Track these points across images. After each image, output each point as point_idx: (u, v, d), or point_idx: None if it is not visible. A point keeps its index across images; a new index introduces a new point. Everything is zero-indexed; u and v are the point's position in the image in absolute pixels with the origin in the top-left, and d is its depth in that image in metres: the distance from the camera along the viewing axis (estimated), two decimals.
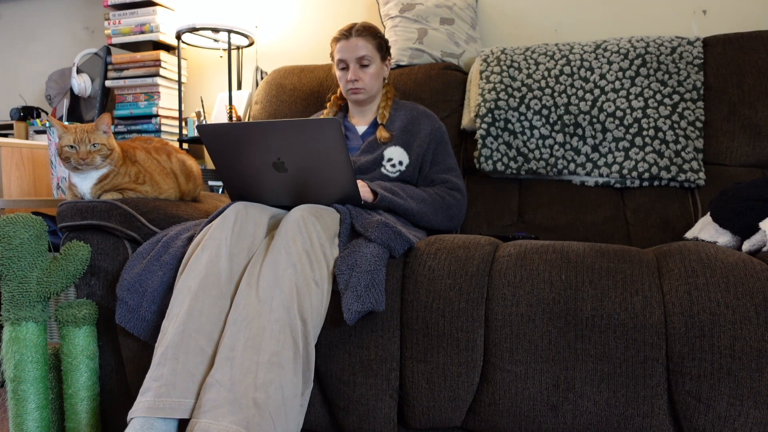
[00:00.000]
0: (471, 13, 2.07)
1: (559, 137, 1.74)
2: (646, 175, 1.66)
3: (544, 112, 1.75)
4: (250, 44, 2.37)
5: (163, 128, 2.40)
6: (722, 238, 1.21)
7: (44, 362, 1.21)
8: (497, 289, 1.03)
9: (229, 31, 2.18)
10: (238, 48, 2.41)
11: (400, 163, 1.55)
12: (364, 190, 1.35)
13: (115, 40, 2.43)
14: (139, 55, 2.39)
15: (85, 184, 1.29)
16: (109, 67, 2.46)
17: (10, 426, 1.19)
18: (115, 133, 2.46)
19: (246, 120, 2.30)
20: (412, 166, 1.56)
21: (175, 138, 2.46)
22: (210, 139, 1.19)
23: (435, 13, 2.00)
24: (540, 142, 1.74)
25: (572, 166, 1.73)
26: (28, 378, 1.18)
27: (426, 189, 1.53)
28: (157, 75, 2.38)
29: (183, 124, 2.37)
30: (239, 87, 2.42)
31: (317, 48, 2.39)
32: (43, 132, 2.62)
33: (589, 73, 1.75)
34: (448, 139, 1.64)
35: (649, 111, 1.69)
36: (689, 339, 0.93)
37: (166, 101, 2.43)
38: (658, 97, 1.69)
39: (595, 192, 1.72)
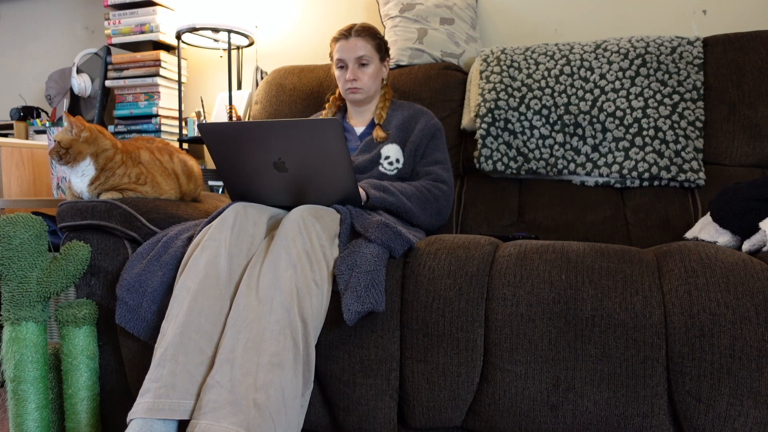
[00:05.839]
0: (471, 13, 2.07)
1: (559, 137, 1.74)
2: (646, 175, 1.66)
3: (544, 112, 1.75)
4: (250, 44, 2.37)
5: (163, 128, 2.40)
6: (722, 238, 1.21)
7: (44, 362, 1.21)
8: (497, 289, 1.03)
9: (229, 31, 2.18)
10: (238, 48, 2.41)
11: (397, 161, 1.54)
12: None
13: (115, 40, 2.43)
14: (139, 55, 2.39)
15: (79, 183, 1.29)
16: (109, 67, 2.46)
17: (10, 426, 1.19)
18: (115, 133, 2.46)
19: (246, 120, 2.30)
20: (407, 163, 1.55)
21: (175, 138, 2.46)
22: (211, 138, 1.19)
23: (435, 13, 2.00)
24: (540, 142, 1.74)
25: (572, 166, 1.73)
26: (28, 378, 1.18)
27: (411, 183, 1.50)
28: (157, 75, 2.38)
29: (183, 124, 2.37)
30: (239, 87, 2.42)
31: (317, 48, 2.39)
32: (43, 132, 2.62)
33: (589, 73, 1.75)
34: (441, 135, 1.62)
35: (649, 111, 1.69)
36: (689, 339, 0.93)
37: (166, 101, 2.43)
38: (658, 97, 1.69)
39: (595, 192, 1.72)
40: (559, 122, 1.74)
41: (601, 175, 1.71)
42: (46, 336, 1.22)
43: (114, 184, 1.30)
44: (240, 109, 2.30)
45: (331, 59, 1.64)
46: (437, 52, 1.99)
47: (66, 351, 1.21)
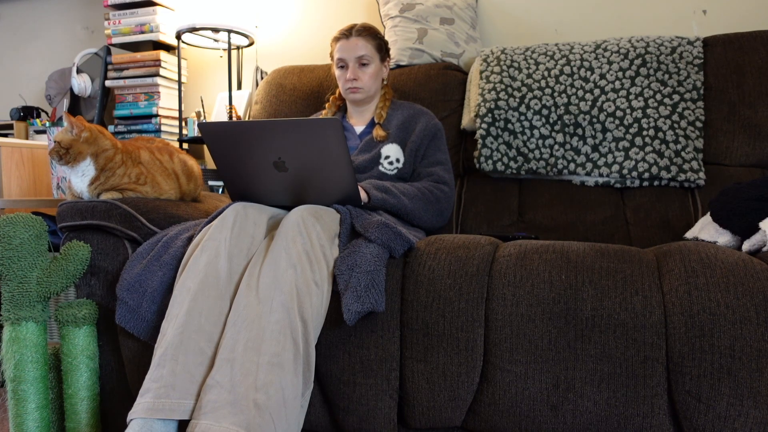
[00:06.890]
0: (471, 13, 2.07)
1: (559, 137, 1.74)
2: (646, 175, 1.66)
3: (544, 112, 1.75)
4: (250, 44, 2.37)
5: (163, 128, 2.40)
6: (722, 238, 1.21)
7: (44, 362, 1.21)
8: (497, 289, 1.03)
9: (229, 31, 2.18)
10: (238, 48, 2.41)
11: (398, 160, 1.54)
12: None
13: (115, 40, 2.43)
14: (139, 55, 2.39)
15: (79, 183, 1.29)
16: (109, 67, 2.46)
17: (10, 426, 1.19)
18: (115, 133, 2.46)
19: (246, 120, 2.30)
20: (408, 162, 1.55)
21: (175, 138, 2.46)
22: (211, 137, 1.19)
23: (435, 13, 2.00)
24: (540, 142, 1.74)
25: (572, 166, 1.73)
26: (28, 378, 1.18)
27: (413, 184, 1.50)
28: (157, 75, 2.38)
29: (183, 124, 2.37)
30: (239, 87, 2.42)
31: (317, 48, 2.39)
32: (43, 132, 2.62)
33: (589, 73, 1.75)
34: (442, 136, 1.62)
35: (649, 111, 1.69)
36: (689, 339, 0.93)
37: (166, 101, 2.43)
38: (658, 97, 1.69)
39: (595, 192, 1.72)
40: (559, 122, 1.74)
41: (601, 175, 1.71)
42: (46, 336, 1.22)
43: (114, 184, 1.30)
44: (240, 109, 2.30)
45: (332, 59, 1.64)
46: (437, 52, 1.99)
47: (66, 351, 1.21)
